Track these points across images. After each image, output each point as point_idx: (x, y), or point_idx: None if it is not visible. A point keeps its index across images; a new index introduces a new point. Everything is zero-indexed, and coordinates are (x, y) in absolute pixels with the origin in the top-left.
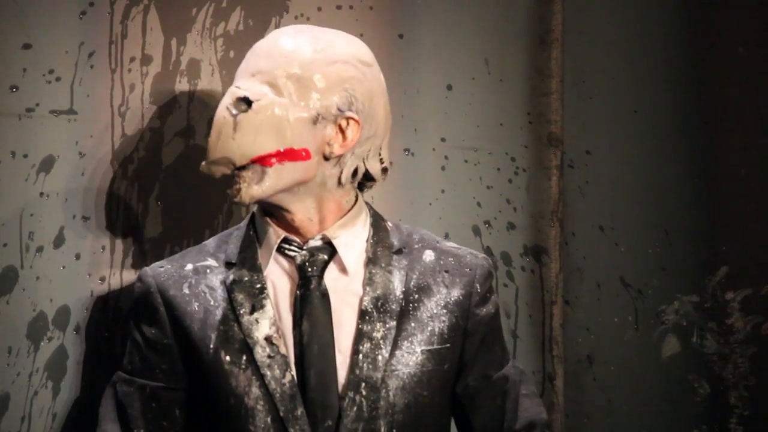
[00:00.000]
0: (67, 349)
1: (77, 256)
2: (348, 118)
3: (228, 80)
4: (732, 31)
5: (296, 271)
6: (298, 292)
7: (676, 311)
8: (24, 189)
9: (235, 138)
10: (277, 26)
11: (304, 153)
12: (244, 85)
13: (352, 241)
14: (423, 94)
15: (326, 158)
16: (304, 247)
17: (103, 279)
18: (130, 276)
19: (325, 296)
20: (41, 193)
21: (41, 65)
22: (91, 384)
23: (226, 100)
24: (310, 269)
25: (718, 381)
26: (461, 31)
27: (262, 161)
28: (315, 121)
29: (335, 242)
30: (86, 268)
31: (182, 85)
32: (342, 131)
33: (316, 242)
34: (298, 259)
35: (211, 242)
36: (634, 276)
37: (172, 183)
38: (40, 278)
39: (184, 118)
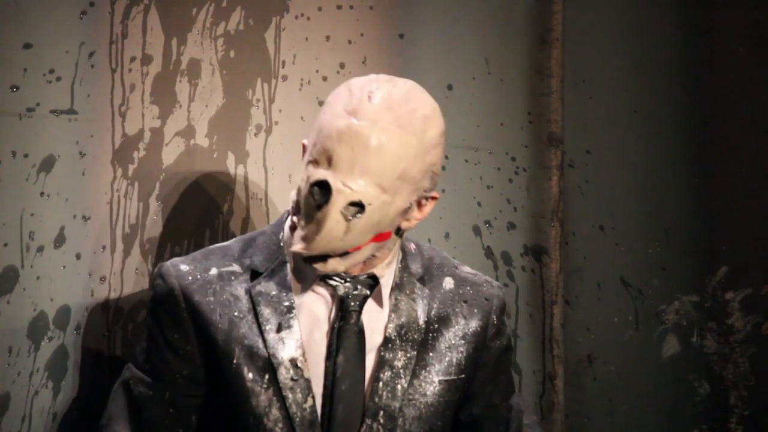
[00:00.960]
0: (68, 348)
1: (78, 256)
2: (430, 197)
3: (228, 80)
4: (732, 31)
5: (333, 300)
6: (336, 324)
7: (676, 311)
8: (24, 189)
9: (344, 239)
10: (278, 26)
11: (388, 233)
12: (355, 186)
13: (390, 273)
14: None
15: (400, 229)
16: (348, 280)
17: (103, 279)
18: (130, 276)
19: (361, 332)
20: (42, 193)
21: (42, 65)
22: (92, 384)
23: (339, 202)
24: (352, 303)
25: (718, 381)
26: (461, 30)
27: (356, 248)
28: (408, 209)
29: (382, 281)
30: (87, 268)
31: (182, 84)
32: (420, 207)
33: (362, 277)
34: (341, 290)
35: (235, 245)
36: (635, 276)
37: (173, 183)
38: (41, 278)
39: (184, 118)
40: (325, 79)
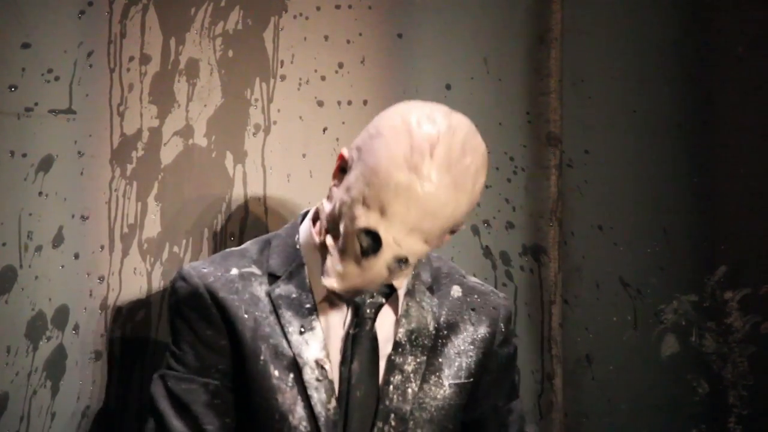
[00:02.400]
0: (66, 348)
1: (76, 256)
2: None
3: (227, 80)
4: (730, 30)
5: (348, 305)
6: (351, 331)
7: (675, 311)
8: (23, 188)
9: (381, 283)
10: (276, 26)
11: None
12: (404, 243)
13: (405, 282)
14: (422, 94)
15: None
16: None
17: (102, 278)
18: (129, 275)
19: (375, 339)
20: (40, 193)
21: (40, 65)
22: (90, 383)
23: (387, 256)
24: (368, 311)
25: (717, 380)
26: (460, 30)
27: None
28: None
29: (399, 291)
30: (85, 268)
31: (181, 84)
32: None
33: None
34: (357, 298)
35: (252, 247)
36: (633, 275)
37: (171, 182)
38: (39, 277)
39: (182, 117)
40: (323, 78)
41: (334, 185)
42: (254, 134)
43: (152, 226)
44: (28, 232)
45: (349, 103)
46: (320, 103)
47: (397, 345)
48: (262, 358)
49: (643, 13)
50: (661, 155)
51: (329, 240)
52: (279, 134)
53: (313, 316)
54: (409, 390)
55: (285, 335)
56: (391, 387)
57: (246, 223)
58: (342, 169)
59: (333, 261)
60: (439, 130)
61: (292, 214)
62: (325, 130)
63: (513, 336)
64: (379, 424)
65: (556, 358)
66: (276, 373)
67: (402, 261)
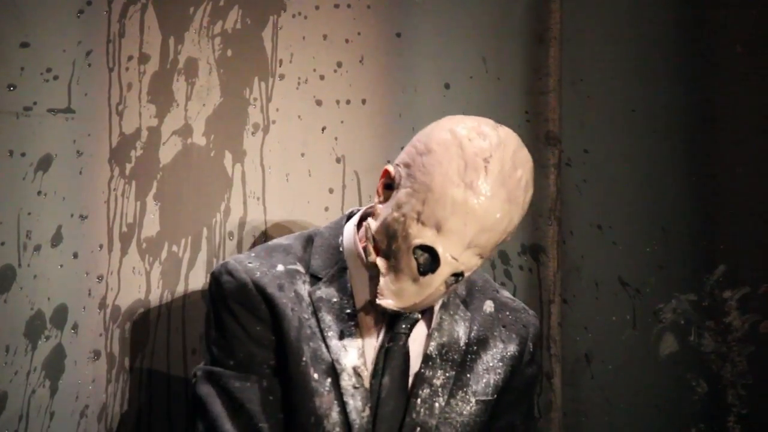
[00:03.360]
0: (65, 347)
1: (75, 255)
2: None
3: (225, 79)
4: (729, 29)
5: (384, 316)
6: (385, 344)
7: (673, 310)
8: (22, 187)
9: (438, 298)
10: (275, 25)
11: None
12: (461, 258)
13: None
14: (421, 93)
15: None
16: None
17: (100, 277)
18: (127, 275)
19: (407, 354)
20: (39, 192)
21: (39, 64)
22: (89, 383)
23: (445, 273)
24: (403, 325)
25: (716, 379)
26: (459, 29)
27: None
28: None
29: (436, 306)
30: (84, 267)
31: (180, 83)
32: None
33: None
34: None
35: (296, 243)
36: (632, 275)
37: (170, 182)
38: (38, 277)
39: (181, 116)
40: (322, 77)
41: (380, 202)
42: (253, 133)
43: (151, 226)
44: (27, 232)
45: (348, 102)
46: (319, 102)
47: (427, 358)
48: (304, 359)
49: (641, 12)
50: (660, 154)
51: (380, 261)
52: (278, 133)
53: (353, 323)
54: (436, 404)
55: (324, 339)
56: (419, 400)
57: (245, 222)
58: (387, 185)
59: (387, 280)
60: (490, 144)
61: (291, 213)
62: (323, 129)
63: (539, 356)
64: None
65: (555, 357)
66: (315, 375)
67: (458, 276)
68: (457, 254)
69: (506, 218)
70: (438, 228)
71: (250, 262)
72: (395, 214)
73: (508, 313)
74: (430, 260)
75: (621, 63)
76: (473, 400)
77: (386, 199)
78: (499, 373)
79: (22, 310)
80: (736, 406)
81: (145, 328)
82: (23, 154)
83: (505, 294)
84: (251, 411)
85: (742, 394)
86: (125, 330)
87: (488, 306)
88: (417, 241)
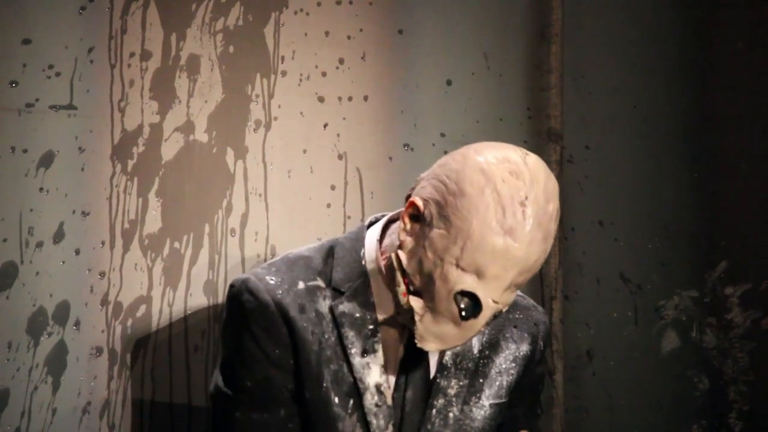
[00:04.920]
0: (67, 344)
1: (77, 252)
2: None
3: (227, 76)
4: (731, 26)
5: (405, 329)
6: (408, 357)
7: (675, 306)
8: (24, 184)
9: (475, 335)
10: (277, 22)
11: None
12: (501, 299)
13: None
14: (422, 90)
15: None
16: None
17: (102, 274)
18: (129, 271)
19: (427, 367)
20: (41, 189)
21: (41, 60)
22: (91, 379)
23: (487, 315)
24: None
25: (718, 376)
26: (461, 26)
27: None
28: None
29: None
30: (86, 264)
31: (182, 80)
32: None
33: None
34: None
35: (316, 256)
36: (634, 271)
37: (172, 178)
38: (40, 273)
39: (183, 113)
40: (324, 74)
41: (406, 232)
42: (255, 130)
43: (153, 222)
44: (29, 228)
45: (350, 98)
46: (321, 99)
47: (442, 368)
48: (324, 384)
49: (643, 8)
50: (661, 151)
51: (415, 301)
52: (279, 130)
53: (376, 338)
54: (451, 414)
55: (347, 357)
56: (434, 411)
57: (247, 219)
58: (414, 217)
59: (426, 323)
60: (524, 183)
61: (293, 209)
62: (325, 125)
63: (547, 354)
64: None
65: (556, 353)
66: (336, 399)
67: (498, 314)
68: (498, 297)
69: (543, 256)
70: (479, 274)
71: (271, 279)
72: (430, 256)
73: (518, 312)
74: (472, 305)
75: (623, 59)
76: (487, 404)
77: (413, 232)
78: (512, 374)
79: (24, 306)
80: (738, 402)
81: (147, 325)
82: (25, 151)
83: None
84: None
85: (744, 390)
86: (127, 326)
87: None
88: (458, 287)
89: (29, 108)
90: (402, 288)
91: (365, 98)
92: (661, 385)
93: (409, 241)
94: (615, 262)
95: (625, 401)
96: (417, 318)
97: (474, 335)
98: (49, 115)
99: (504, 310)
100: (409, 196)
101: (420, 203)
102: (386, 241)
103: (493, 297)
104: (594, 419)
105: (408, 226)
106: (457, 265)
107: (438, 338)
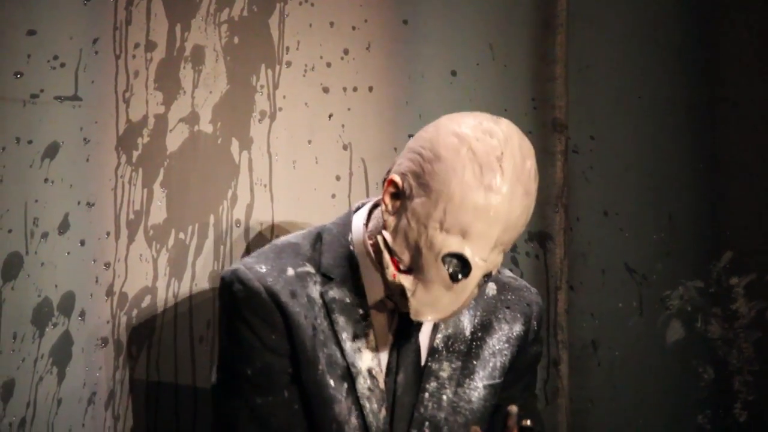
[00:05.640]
0: (72, 335)
1: (82, 242)
2: None
3: (232, 66)
4: (737, 15)
5: (394, 313)
6: (398, 342)
7: (680, 296)
8: (29, 175)
9: (469, 300)
10: (281, 12)
11: None
12: (489, 259)
13: None
14: (427, 80)
15: None
16: None
17: (107, 265)
18: (134, 262)
19: (418, 350)
20: (46, 179)
21: (46, 51)
22: (97, 370)
23: (477, 276)
24: (414, 321)
25: (723, 366)
26: (466, 16)
27: None
28: None
29: None
30: (91, 254)
31: (186, 71)
32: None
33: None
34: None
35: (304, 242)
36: (639, 261)
37: (177, 169)
38: (45, 264)
39: (188, 104)
40: (329, 65)
41: (389, 212)
42: (260, 121)
43: (158, 213)
44: (34, 219)
45: (355, 89)
46: (326, 90)
47: (433, 351)
48: (320, 367)
49: None
50: (666, 141)
51: (405, 279)
52: (284, 121)
53: (367, 323)
54: (444, 397)
55: (338, 342)
56: (427, 394)
57: (252, 209)
58: (394, 195)
59: (419, 296)
60: (498, 141)
61: (298, 200)
62: (330, 116)
63: (542, 334)
64: None
65: (561, 344)
66: (332, 382)
67: (488, 275)
68: (485, 256)
69: (525, 212)
70: (463, 234)
71: (260, 267)
72: (414, 226)
73: (510, 293)
74: (461, 266)
75: (628, 49)
76: (480, 385)
77: (395, 210)
78: (506, 355)
79: (29, 297)
80: (743, 392)
81: (152, 316)
82: (30, 142)
83: (507, 273)
84: (277, 426)
85: (749, 380)
86: (132, 317)
87: (491, 289)
88: (445, 250)
89: (34, 99)
90: (391, 269)
91: (370, 89)
92: (666, 376)
93: (392, 220)
94: (620, 253)
95: (630, 391)
96: (409, 294)
97: (468, 300)
98: (54, 106)
99: (494, 272)
100: (386, 179)
101: (398, 179)
102: (371, 224)
103: (480, 256)
104: (599, 409)
105: (390, 206)
106: (442, 228)
107: (432, 307)
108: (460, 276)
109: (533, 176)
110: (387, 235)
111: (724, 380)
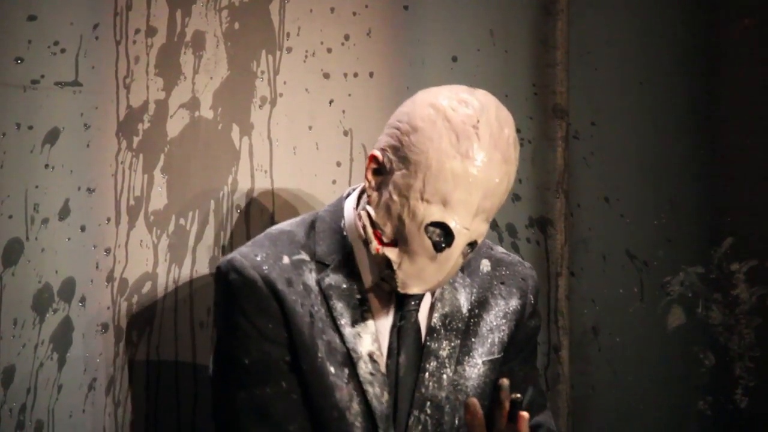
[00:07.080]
0: (73, 320)
1: (82, 228)
2: None
3: (233, 52)
4: (737, 1)
5: (392, 295)
6: (398, 323)
7: (681, 282)
8: (29, 161)
9: (457, 271)
10: None
11: None
12: (472, 227)
13: None
14: (428, 66)
15: None
16: None
17: (108, 251)
18: (135, 248)
19: (418, 330)
20: (46, 165)
21: (46, 37)
22: (97, 356)
23: (461, 245)
24: (412, 302)
25: (724, 352)
26: (466, 2)
27: None
28: None
29: None
30: (91, 240)
31: (187, 56)
32: None
33: None
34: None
35: (298, 231)
36: (640, 247)
37: (177, 155)
38: (46, 250)
39: (188, 90)
40: (329, 50)
41: (372, 188)
42: (260, 106)
43: (158, 199)
44: (35, 205)
45: (356, 75)
46: (326, 76)
47: (431, 330)
48: (319, 355)
49: None
50: (667, 127)
51: (389, 251)
52: (285, 106)
53: (365, 307)
54: (444, 376)
55: (337, 328)
56: (427, 374)
57: (252, 195)
58: (376, 171)
59: (405, 268)
60: (474, 110)
61: (299, 186)
62: (331, 102)
63: (539, 307)
64: (415, 412)
65: (562, 330)
66: (332, 369)
67: (472, 244)
68: (468, 224)
69: (505, 179)
70: (444, 203)
71: (256, 255)
72: (396, 198)
73: (504, 268)
74: (444, 235)
75: (629, 35)
76: (480, 362)
77: (378, 185)
78: (504, 330)
79: (29, 283)
80: (744, 378)
81: (152, 301)
82: (30, 128)
83: (500, 250)
84: (277, 416)
85: (750, 366)
86: (133, 303)
87: (485, 265)
88: (427, 219)
89: (34, 84)
90: (374, 243)
91: (371, 75)
92: (667, 362)
93: (375, 195)
94: (621, 239)
95: (631, 377)
96: (395, 267)
97: (453, 270)
98: (55, 91)
99: (479, 241)
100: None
101: (378, 154)
102: (360, 207)
103: (463, 224)
104: (600, 395)
105: (372, 182)
106: (422, 198)
107: (418, 278)
108: (443, 245)
109: (512, 143)
110: (370, 209)
111: (725, 366)
